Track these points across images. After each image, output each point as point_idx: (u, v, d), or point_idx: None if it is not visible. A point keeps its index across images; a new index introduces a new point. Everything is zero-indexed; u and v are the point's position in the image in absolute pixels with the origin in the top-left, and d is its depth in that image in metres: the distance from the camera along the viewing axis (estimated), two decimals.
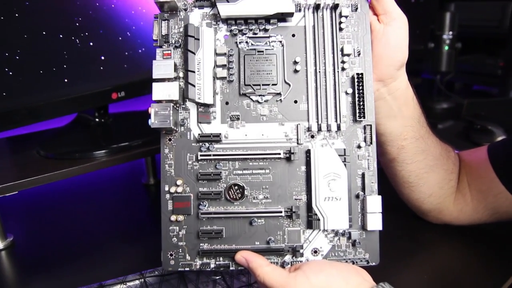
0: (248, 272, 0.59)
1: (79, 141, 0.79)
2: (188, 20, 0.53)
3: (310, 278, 0.46)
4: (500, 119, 1.09)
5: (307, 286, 0.45)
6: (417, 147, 0.59)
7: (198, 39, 0.51)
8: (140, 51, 0.78)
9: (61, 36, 0.67)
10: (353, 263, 0.51)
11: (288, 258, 0.52)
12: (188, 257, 0.52)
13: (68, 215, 0.84)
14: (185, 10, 0.54)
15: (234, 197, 0.52)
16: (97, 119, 0.82)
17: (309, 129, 0.52)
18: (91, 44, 0.71)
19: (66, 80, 0.69)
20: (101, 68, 0.73)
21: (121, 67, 0.76)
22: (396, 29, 0.52)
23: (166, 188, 0.52)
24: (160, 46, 0.53)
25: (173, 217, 0.52)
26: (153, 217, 0.85)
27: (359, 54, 0.53)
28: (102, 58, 0.73)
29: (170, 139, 0.53)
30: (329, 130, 0.52)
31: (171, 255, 0.52)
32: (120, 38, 0.75)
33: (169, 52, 0.52)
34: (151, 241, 0.72)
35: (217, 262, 0.52)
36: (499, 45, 1.65)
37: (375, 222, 0.50)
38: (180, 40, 0.53)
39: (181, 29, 0.53)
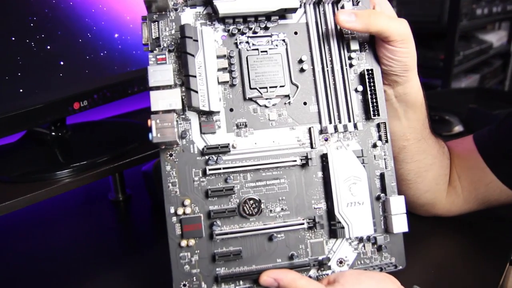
0: None
1: (36, 160, 0.67)
2: (180, 20, 0.48)
3: None
4: (449, 108, 1.12)
5: None
6: (418, 147, 0.58)
7: (197, 40, 0.46)
8: (102, 54, 0.69)
9: (13, 38, 0.57)
10: (381, 270, 0.49)
11: (313, 272, 0.48)
12: (204, 285, 0.46)
13: (28, 245, 0.72)
14: (176, 10, 0.48)
15: (250, 212, 0.47)
16: (53, 133, 0.71)
17: (321, 132, 0.49)
18: (49, 47, 0.61)
19: (21, 91, 0.58)
20: (60, 75, 0.63)
21: (83, 73, 0.67)
22: (404, 51, 0.49)
23: (172, 210, 0.46)
24: (151, 51, 0.47)
25: (183, 242, 0.46)
26: (130, 239, 0.75)
27: (365, 49, 0.50)
28: (61, 63, 0.63)
29: (171, 155, 0.47)
30: (345, 131, 0.49)
31: (184, 285, 0.46)
32: (80, 40, 0.66)
33: (164, 56, 0.46)
34: (134, 267, 0.64)
35: (237, 287, 0.46)
36: (439, 39, 1.74)
37: (400, 223, 0.48)
38: (173, 43, 0.47)
39: (173, 31, 0.47)
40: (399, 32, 0.48)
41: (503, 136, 0.61)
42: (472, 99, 1.24)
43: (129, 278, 0.62)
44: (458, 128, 0.99)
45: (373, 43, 0.50)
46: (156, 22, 0.48)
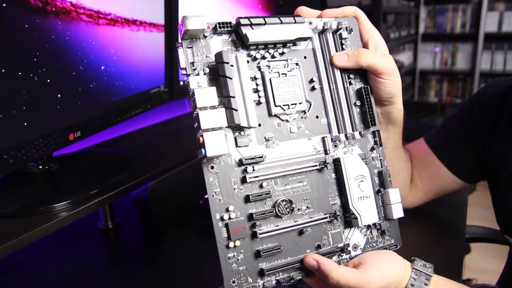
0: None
1: (27, 195, 0.67)
2: (209, 47, 0.54)
3: (378, 268, 0.52)
4: None
5: (379, 275, 0.51)
6: (394, 154, 0.70)
7: (233, 65, 0.52)
8: (91, 85, 0.71)
9: (20, 73, 0.58)
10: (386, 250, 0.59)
11: (335, 258, 0.57)
12: (250, 280, 0.52)
13: (13, 277, 0.71)
14: (205, 37, 0.54)
15: (284, 212, 0.54)
16: (40, 167, 0.71)
17: (332, 140, 0.58)
18: (48, 81, 0.63)
19: (25, 124, 0.60)
20: (58, 107, 0.65)
21: (76, 105, 0.69)
22: (389, 82, 0.58)
23: (218, 217, 0.52)
24: (189, 75, 0.52)
25: (231, 244, 0.51)
26: (123, 268, 0.76)
27: (361, 70, 0.61)
28: (59, 96, 0.65)
29: (212, 167, 0.52)
30: (353, 138, 0.58)
31: (233, 282, 0.52)
32: (74, 73, 0.68)
33: (203, 79, 0.51)
34: None
35: (276, 278, 0.54)
36: None
37: (398, 210, 0.59)
38: (206, 68, 0.53)
39: (204, 56, 0.53)
40: (385, 67, 0.58)
41: (449, 133, 0.76)
42: None
43: None
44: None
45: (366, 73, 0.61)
46: (190, 48, 0.53)
